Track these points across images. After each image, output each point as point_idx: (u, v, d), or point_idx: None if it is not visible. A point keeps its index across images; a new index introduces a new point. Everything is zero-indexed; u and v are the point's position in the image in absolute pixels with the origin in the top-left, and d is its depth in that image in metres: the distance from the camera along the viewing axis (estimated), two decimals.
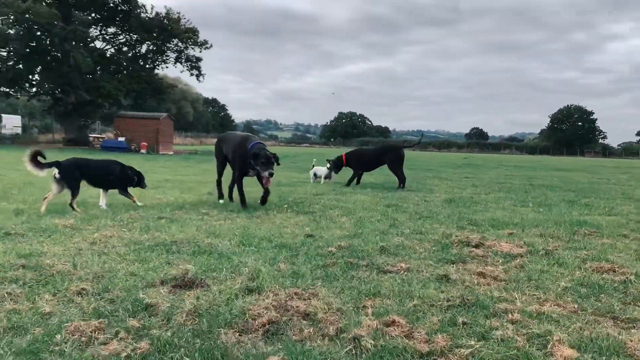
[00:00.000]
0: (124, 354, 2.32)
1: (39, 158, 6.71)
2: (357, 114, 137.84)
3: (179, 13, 39.73)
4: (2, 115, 43.69)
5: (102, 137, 38.45)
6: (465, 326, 2.86)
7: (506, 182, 14.52)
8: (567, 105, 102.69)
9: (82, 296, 3.17)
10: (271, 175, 7.21)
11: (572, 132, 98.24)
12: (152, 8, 38.76)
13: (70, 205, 6.71)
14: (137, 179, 7.60)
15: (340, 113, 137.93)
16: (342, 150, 13.69)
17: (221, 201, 8.05)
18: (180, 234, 5.27)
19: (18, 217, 6.09)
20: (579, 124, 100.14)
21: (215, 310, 3.00)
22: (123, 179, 7.40)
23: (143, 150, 32.44)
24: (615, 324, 3.00)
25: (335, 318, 2.92)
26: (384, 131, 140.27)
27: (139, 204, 7.31)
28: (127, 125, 34.09)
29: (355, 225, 6.21)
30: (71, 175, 6.79)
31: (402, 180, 11.42)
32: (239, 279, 3.64)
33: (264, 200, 7.59)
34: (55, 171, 6.73)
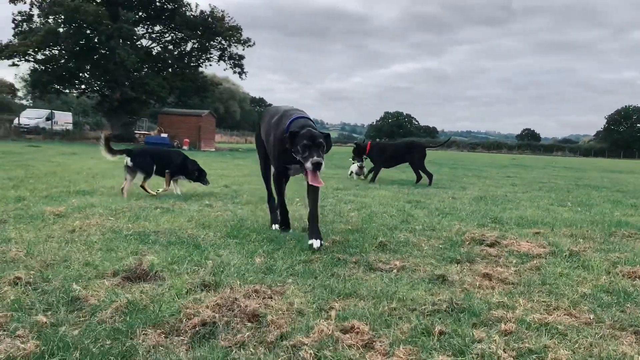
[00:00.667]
0: (1, 356, 1.93)
1: (111, 144, 7.06)
2: (404, 113, 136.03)
3: (223, 11, 40.16)
4: (54, 111, 45.22)
5: (147, 134, 39.22)
6: (441, 336, 2.33)
7: (549, 182, 13.55)
8: (626, 106, 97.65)
9: (12, 285, 2.83)
10: (317, 166, 4.15)
11: (630, 133, 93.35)
12: (196, 6, 39.30)
13: (142, 186, 7.14)
14: (198, 174, 7.58)
15: (387, 113, 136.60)
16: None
17: (275, 227, 5.08)
18: (167, 224, 4.91)
19: (14, 204, 5.90)
20: (638, 125, 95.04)
21: (151, 306, 2.59)
22: (181, 170, 7.49)
23: (185, 147, 32.73)
24: (637, 341, 2.39)
25: (286, 321, 2.45)
26: (431, 131, 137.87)
27: (158, 191, 7.35)
28: (170, 122, 34.56)
29: (364, 220, 5.68)
30: (144, 160, 7.12)
31: (429, 176, 10.79)
32: (200, 273, 3.22)
33: (312, 216, 4.44)
34: (127, 159, 7.00)
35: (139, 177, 7.08)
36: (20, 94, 64.30)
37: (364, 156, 11.29)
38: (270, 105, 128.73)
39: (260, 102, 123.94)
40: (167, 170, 7.37)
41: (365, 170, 11.52)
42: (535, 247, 4.35)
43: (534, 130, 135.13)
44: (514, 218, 6.13)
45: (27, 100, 59.84)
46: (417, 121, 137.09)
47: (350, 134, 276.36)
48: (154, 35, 41.31)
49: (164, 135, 33.90)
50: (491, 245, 4.43)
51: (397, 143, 13.22)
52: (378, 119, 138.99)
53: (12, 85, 67.46)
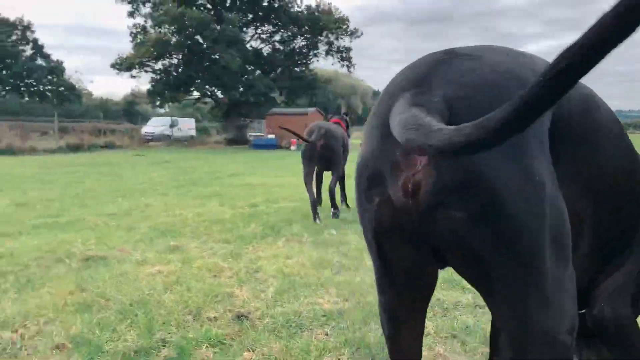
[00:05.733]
0: None
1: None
2: None
3: (329, 4, 38.70)
4: (178, 118, 47.20)
5: (258, 135, 39.19)
6: None
7: None
8: None
9: None
10: None
11: None
12: (301, 1, 38.25)
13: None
14: None
15: None
16: None
17: None
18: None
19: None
20: None
21: None
22: None
23: (293, 147, 31.86)
24: None
25: None
26: None
27: None
28: (277, 123, 33.84)
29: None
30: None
31: None
32: None
33: None
34: None
35: None
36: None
37: None
38: None
39: None
40: None
41: None
42: None
43: None
44: None
45: (164, 109, 64.00)
46: None
47: None
48: (263, 37, 41.14)
49: (270, 136, 33.38)
50: None
51: None
52: None
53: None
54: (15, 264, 4.18)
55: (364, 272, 3.93)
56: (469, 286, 3.28)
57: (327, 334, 2.80)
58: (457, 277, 3.66)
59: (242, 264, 4.24)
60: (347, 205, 7.35)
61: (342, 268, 4.09)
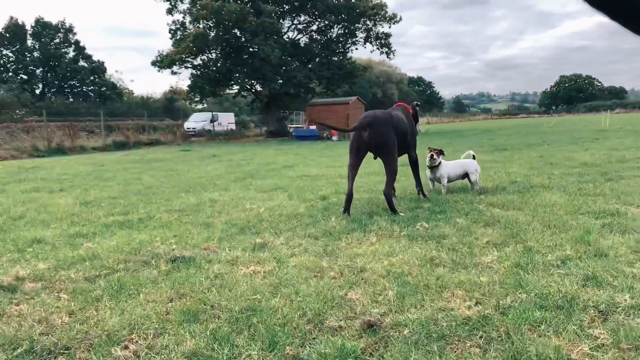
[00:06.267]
0: None
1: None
2: (583, 75, 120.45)
3: None
4: (218, 113, 47.42)
5: (298, 127, 38.95)
6: None
7: None
8: None
9: None
10: None
11: None
12: None
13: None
14: None
15: (562, 77, 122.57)
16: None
17: None
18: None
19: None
20: None
21: None
22: None
23: (334, 137, 31.45)
24: None
25: None
26: (618, 92, 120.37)
27: None
28: (317, 113, 33.58)
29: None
30: None
31: None
32: None
33: None
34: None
35: None
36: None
37: None
38: (430, 83, 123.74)
39: (418, 81, 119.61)
40: None
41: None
42: None
43: None
44: None
45: (202, 104, 64.48)
46: (599, 82, 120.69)
47: (522, 104, 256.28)
48: (300, 27, 40.71)
49: (312, 127, 33.06)
50: None
51: None
52: (553, 84, 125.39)
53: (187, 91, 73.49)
54: (101, 267, 3.92)
55: (483, 270, 3.50)
56: (616, 282, 2.81)
57: (479, 347, 2.39)
58: (600, 273, 3.20)
59: (341, 261, 3.87)
60: (424, 195, 6.81)
61: (456, 265, 3.67)
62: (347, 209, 5.84)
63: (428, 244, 4.27)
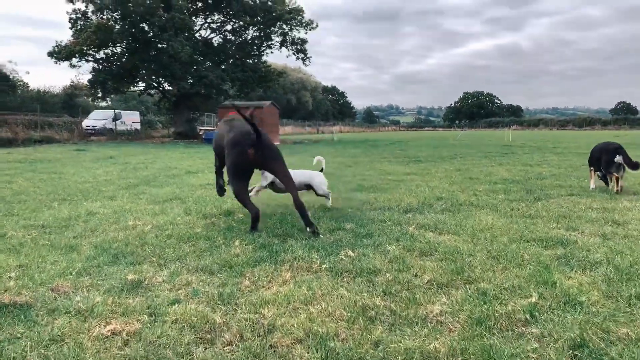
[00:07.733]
0: None
1: None
2: (485, 92, 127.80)
3: None
4: (121, 112, 44.29)
5: (208, 129, 37.18)
6: None
7: None
8: None
9: None
10: None
11: None
12: None
13: None
14: None
15: (466, 93, 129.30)
16: None
17: None
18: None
19: None
20: None
21: None
22: None
23: None
24: None
25: None
26: (515, 110, 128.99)
27: None
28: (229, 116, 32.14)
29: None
30: None
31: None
32: None
33: None
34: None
35: None
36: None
37: None
38: (343, 92, 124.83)
39: (332, 90, 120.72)
40: None
41: None
42: None
43: (629, 103, 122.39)
44: None
45: (106, 102, 59.97)
46: (499, 100, 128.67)
47: (427, 117, 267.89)
48: (213, 26, 38.94)
49: None
50: None
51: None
52: (457, 100, 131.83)
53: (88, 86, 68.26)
54: None
55: (434, 329, 2.59)
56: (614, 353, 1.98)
57: None
58: (588, 336, 2.41)
59: (241, 314, 2.81)
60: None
61: (397, 319, 2.73)
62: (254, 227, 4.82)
63: (357, 283, 3.32)
